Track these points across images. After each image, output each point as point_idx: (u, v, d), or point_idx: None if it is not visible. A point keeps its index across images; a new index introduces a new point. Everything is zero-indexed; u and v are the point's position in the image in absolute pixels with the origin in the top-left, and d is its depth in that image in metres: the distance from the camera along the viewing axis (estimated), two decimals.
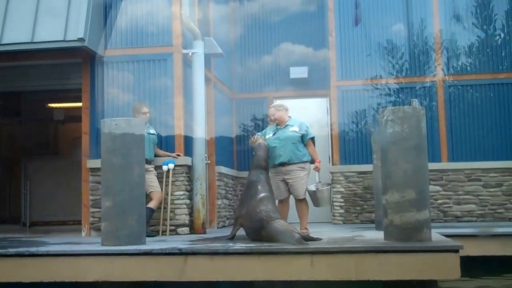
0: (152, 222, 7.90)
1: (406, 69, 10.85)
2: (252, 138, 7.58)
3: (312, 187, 7.73)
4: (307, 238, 6.12)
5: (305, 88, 11.62)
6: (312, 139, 7.76)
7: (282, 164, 7.52)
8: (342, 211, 10.60)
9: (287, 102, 8.69)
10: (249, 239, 6.60)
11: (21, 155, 11.91)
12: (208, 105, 9.50)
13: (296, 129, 7.63)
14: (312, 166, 7.73)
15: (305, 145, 7.68)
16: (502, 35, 10.71)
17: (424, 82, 10.74)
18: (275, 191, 7.26)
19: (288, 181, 7.54)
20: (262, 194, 6.78)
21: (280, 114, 7.72)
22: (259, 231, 6.40)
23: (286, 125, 7.69)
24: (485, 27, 10.76)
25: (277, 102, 8.11)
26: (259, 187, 6.91)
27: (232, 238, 6.88)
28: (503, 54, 10.67)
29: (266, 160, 7.29)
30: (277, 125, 7.75)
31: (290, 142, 7.55)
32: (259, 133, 7.94)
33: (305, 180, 7.63)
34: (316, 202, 7.72)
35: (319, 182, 7.85)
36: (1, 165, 12.67)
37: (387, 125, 5.88)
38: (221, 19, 11.13)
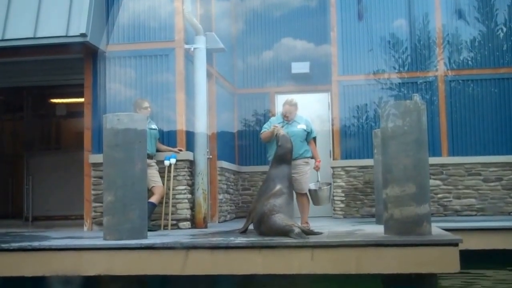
0: (154, 217, 7.94)
1: (408, 63, 10.86)
2: (274, 129, 7.48)
3: (312, 186, 7.79)
4: (308, 232, 6.15)
5: (306, 83, 11.63)
6: (314, 138, 7.87)
7: None
8: (342, 205, 10.64)
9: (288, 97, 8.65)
10: (256, 233, 6.62)
11: (24, 150, 11.94)
12: (210, 100, 9.53)
13: (304, 126, 7.72)
14: (313, 165, 7.81)
15: (308, 143, 7.78)
16: (504, 29, 10.71)
17: (426, 77, 10.75)
18: None
19: (293, 175, 7.56)
20: (277, 189, 6.77)
21: (296, 111, 7.79)
22: (260, 225, 6.44)
23: (293, 121, 7.73)
24: (487, 21, 10.76)
25: (291, 98, 8.01)
26: (276, 181, 6.90)
27: (244, 231, 6.94)
28: (504, 48, 10.68)
29: (291, 152, 7.25)
30: (284, 119, 7.77)
31: (299, 139, 7.63)
32: (268, 123, 7.89)
33: (309, 174, 7.76)
34: (317, 201, 7.78)
35: (318, 181, 7.92)
36: (4, 160, 12.72)
37: (388, 119, 5.90)
38: (222, 14, 11.14)
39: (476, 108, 10.56)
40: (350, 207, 10.63)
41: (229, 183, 10.75)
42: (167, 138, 8.33)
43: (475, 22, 10.79)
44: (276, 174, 7.05)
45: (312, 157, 7.80)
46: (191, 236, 6.61)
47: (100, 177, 7.70)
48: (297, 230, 5.89)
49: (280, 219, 6.19)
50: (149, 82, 8.41)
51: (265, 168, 8.53)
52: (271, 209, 6.39)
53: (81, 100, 8.73)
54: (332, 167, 10.79)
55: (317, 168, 7.82)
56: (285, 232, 5.96)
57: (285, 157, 7.17)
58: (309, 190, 7.75)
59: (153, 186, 7.76)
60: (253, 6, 12.05)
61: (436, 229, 6.45)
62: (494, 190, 10.32)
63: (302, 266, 5.56)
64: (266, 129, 7.72)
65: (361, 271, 5.50)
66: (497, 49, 10.68)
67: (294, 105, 7.79)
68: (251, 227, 6.95)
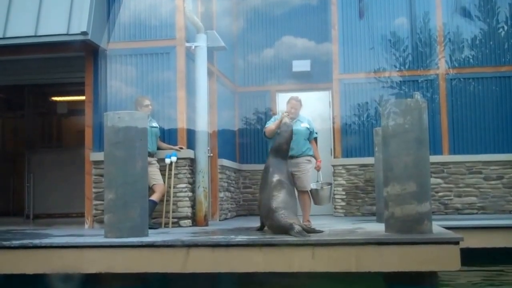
0: (155, 215, 7.94)
1: (409, 61, 10.85)
2: (283, 115, 7.45)
3: (313, 186, 7.80)
4: (309, 230, 6.16)
5: (307, 81, 11.62)
6: (315, 138, 7.90)
7: (291, 157, 7.56)
8: (343, 203, 10.64)
9: (289, 95, 8.64)
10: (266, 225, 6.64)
11: (25, 148, 11.95)
12: (210, 98, 9.53)
13: (307, 125, 7.73)
14: (314, 164, 7.83)
15: (309, 142, 7.80)
16: (505, 27, 10.69)
17: (427, 75, 10.74)
18: None
19: (296, 173, 7.56)
20: (277, 181, 6.77)
21: (300, 108, 7.81)
22: (267, 220, 6.46)
23: (297, 120, 7.74)
24: (488, 20, 10.74)
25: (296, 94, 8.04)
26: (274, 173, 6.88)
27: (261, 228, 6.95)
28: (505, 47, 10.66)
29: (289, 142, 7.20)
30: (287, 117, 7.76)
31: (302, 138, 7.63)
32: (273, 119, 7.88)
33: (311, 172, 7.76)
34: (318, 201, 7.79)
35: (317, 181, 7.92)
36: (5, 158, 12.73)
37: (389, 117, 5.91)
38: (223, 12, 11.14)
39: (477, 106, 10.55)
40: (351, 205, 10.63)
41: (230, 181, 10.76)
42: (168, 136, 8.33)
43: (476, 20, 10.77)
44: (272, 164, 7.01)
45: (313, 156, 7.82)
46: (192, 234, 6.61)
47: (101, 175, 7.71)
48: (297, 228, 5.89)
49: (282, 216, 6.19)
50: (150, 80, 8.41)
51: None
52: (277, 206, 6.39)
53: (82, 98, 8.73)
54: (333, 165, 10.79)
55: (317, 168, 7.84)
56: (286, 229, 5.97)
57: (280, 146, 7.09)
58: (310, 190, 7.76)
59: (154, 184, 7.76)
60: (254, 4, 12.04)
61: (437, 227, 6.46)
62: (495, 188, 10.32)
63: (302, 264, 5.57)
64: (272, 121, 7.72)
65: (361, 269, 5.52)
66: (498, 47, 10.66)
67: (299, 101, 7.82)
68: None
